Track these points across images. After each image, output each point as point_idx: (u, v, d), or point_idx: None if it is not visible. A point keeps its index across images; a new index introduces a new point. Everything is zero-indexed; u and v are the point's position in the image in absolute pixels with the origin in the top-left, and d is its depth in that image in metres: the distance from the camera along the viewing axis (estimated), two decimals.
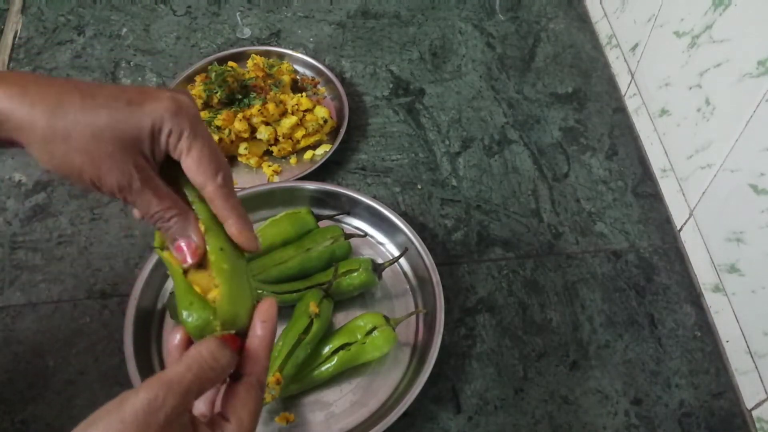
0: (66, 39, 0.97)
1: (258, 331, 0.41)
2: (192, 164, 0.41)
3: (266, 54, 0.92)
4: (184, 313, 0.40)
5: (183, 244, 0.42)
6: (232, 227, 0.43)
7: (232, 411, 0.39)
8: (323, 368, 0.65)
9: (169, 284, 0.70)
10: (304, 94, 0.86)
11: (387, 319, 0.66)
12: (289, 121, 0.82)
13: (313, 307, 0.65)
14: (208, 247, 0.42)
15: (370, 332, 0.66)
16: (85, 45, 0.96)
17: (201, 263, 0.42)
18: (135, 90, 0.41)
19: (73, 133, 0.38)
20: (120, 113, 0.39)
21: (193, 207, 0.43)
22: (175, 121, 0.40)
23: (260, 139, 0.82)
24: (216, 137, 0.79)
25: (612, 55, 0.98)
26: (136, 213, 0.43)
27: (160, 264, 0.69)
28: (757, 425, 0.67)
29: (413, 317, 0.71)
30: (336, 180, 0.83)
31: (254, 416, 0.40)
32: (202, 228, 0.43)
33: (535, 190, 0.84)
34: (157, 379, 0.36)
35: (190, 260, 0.42)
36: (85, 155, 0.39)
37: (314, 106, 0.84)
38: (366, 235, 0.76)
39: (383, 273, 0.72)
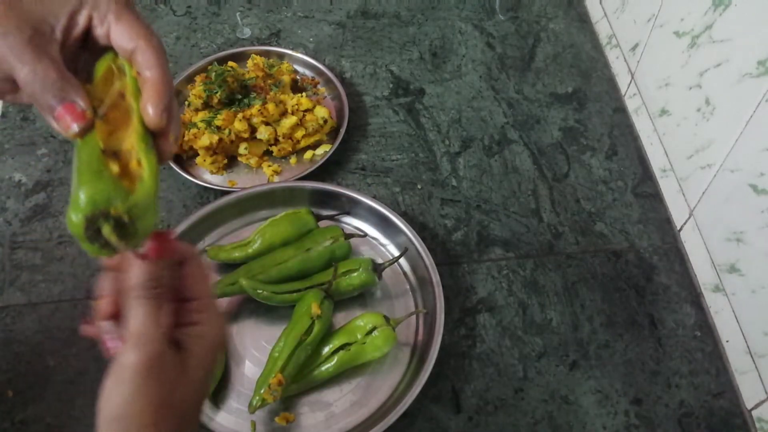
0: None
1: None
2: (124, 28, 0.39)
3: (266, 54, 0.92)
4: (84, 188, 0.35)
5: (62, 109, 0.38)
6: (150, 84, 0.39)
7: (191, 289, 0.42)
8: (323, 368, 0.65)
9: None
10: (304, 94, 0.86)
11: (387, 319, 0.66)
12: (289, 121, 0.82)
13: (315, 308, 0.65)
14: (135, 133, 0.38)
15: (370, 332, 0.66)
16: None
17: (116, 153, 0.38)
18: None
19: None
20: None
21: (122, 91, 0.40)
22: (100, 1, 0.39)
23: (260, 139, 0.82)
24: (216, 137, 0.80)
25: (612, 55, 0.98)
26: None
27: None
28: (757, 425, 0.67)
29: (413, 317, 0.71)
30: (336, 180, 0.83)
31: (211, 292, 0.43)
32: (134, 112, 0.39)
33: (535, 190, 0.84)
34: (131, 339, 0.39)
35: (75, 127, 0.37)
36: None
37: (314, 106, 0.84)
38: (366, 235, 0.76)
39: (383, 273, 0.72)
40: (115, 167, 0.37)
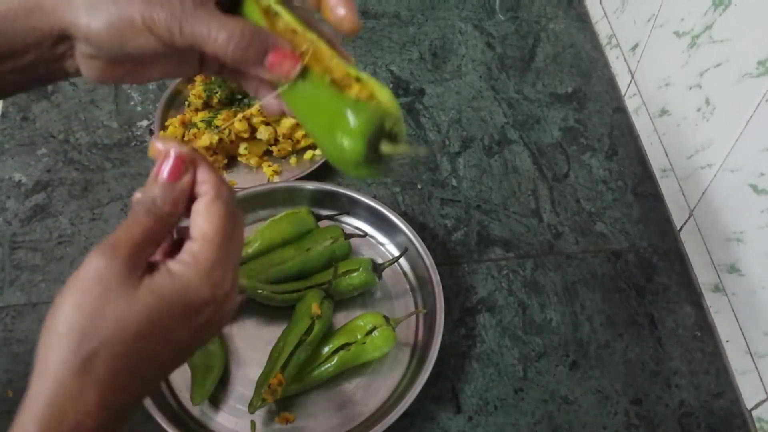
0: None
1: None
2: None
3: None
4: (353, 114, 0.36)
5: (275, 56, 0.36)
6: (339, 8, 0.38)
7: (194, 229, 0.36)
8: (323, 368, 0.65)
9: None
10: None
11: (387, 319, 0.66)
12: (289, 121, 0.82)
13: (315, 308, 0.65)
14: (338, 63, 0.37)
15: (370, 332, 0.66)
16: None
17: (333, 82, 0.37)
18: None
19: None
20: None
21: (291, 28, 0.38)
22: None
23: (260, 139, 0.82)
24: (216, 137, 0.80)
25: (612, 55, 0.98)
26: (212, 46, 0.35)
27: None
28: (757, 425, 0.67)
29: (413, 317, 0.71)
30: (336, 180, 0.83)
31: (221, 230, 0.36)
32: (317, 41, 0.38)
33: (535, 190, 0.84)
34: (102, 244, 0.33)
35: (295, 66, 0.37)
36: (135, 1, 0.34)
37: None
38: (366, 235, 0.76)
39: (383, 273, 0.72)
40: (352, 91, 0.37)
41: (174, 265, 0.35)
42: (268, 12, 0.39)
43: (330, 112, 0.37)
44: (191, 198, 0.37)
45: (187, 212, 0.37)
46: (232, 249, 0.36)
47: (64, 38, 0.36)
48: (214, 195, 0.36)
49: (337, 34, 0.39)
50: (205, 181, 0.37)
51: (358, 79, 0.37)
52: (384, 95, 0.37)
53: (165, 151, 0.36)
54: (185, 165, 0.36)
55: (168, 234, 0.37)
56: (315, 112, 0.37)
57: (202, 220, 0.36)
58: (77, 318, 0.32)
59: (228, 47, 0.35)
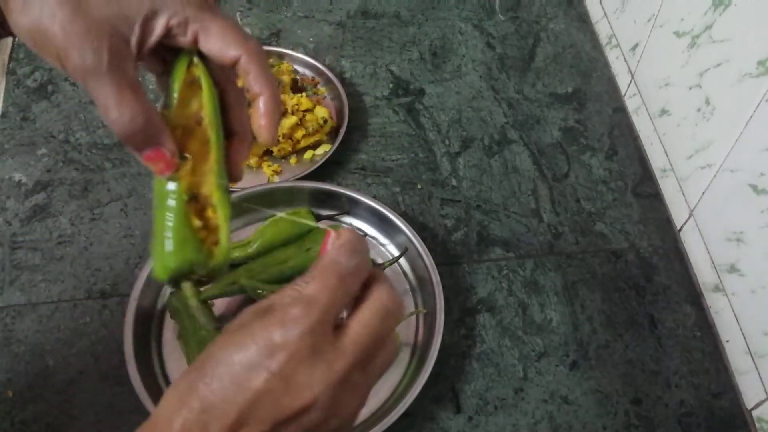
0: None
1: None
2: (216, 39, 0.36)
3: (266, 54, 0.92)
4: (171, 247, 0.37)
5: (152, 154, 0.37)
6: (262, 108, 0.38)
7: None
8: None
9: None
10: (304, 94, 0.86)
11: None
12: (289, 121, 0.82)
13: None
14: (212, 180, 0.38)
15: None
16: None
17: (195, 197, 0.38)
18: None
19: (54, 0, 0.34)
20: None
21: (201, 114, 0.38)
22: (180, 3, 0.35)
23: None
24: None
25: (612, 55, 0.98)
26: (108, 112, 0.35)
27: None
28: (757, 425, 0.67)
29: (413, 317, 0.71)
30: (336, 180, 0.83)
31: (328, 284, 0.34)
32: (213, 146, 0.38)
33: (535, 190, 0.84)
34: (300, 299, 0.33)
35: (166, 172, 0.37)
36: (58, 24, 0.34)
37: (314, 106, 0.84)
38: (366, 235, 0.76)
39: (383, 273, 0.71)
40: (197, 221, 0.38)
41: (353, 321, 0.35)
42: (192, 82, 0.39)
43: (169, 227, 0.38)
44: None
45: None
46: (326, 300, 0.34)
47: None
48: (328, 259, 0.35)
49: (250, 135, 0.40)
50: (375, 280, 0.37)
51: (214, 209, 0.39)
52: (221, 245, 0.39)
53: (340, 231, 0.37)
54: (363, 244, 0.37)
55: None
56: (161, 214, 0.38)
57: (311, 269, 0.35)
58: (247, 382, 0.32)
59: (116, 126, 0.35)
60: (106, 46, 0.34)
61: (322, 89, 0.91)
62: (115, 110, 0.35)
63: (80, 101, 0.89)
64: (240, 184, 0.80)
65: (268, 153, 0.84)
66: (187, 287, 0.39)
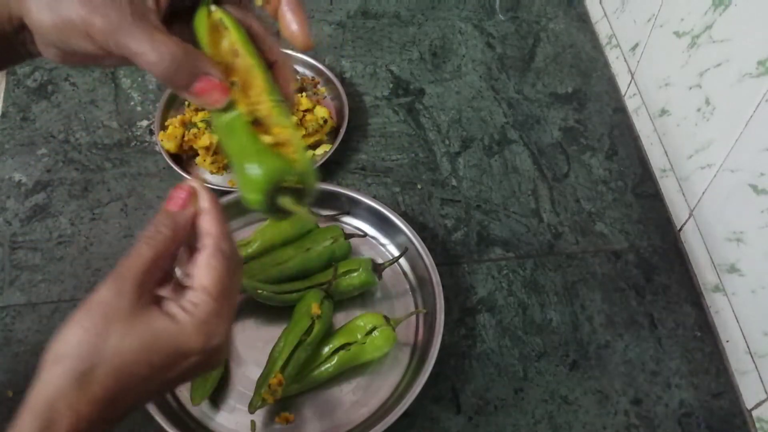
0: None
1: (204, 203, 0.40)
2: None
3: None
4: (256, 168, 0.37)
5: (202, 84, 0.37)
6: (287, 14, 0.38)
7: (195, 279, 0.38)
8: (323, 368, 0.65)
9: None
10: (304, 94, 0.86)
11: (387, 319, 0.66)
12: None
13: (315, 309, 0.65)
14: (264, 93, 0.38)
15: (370, 332, 0.66)
16: None
17: (257, 121, 0.38)
18: None
19: None
20: None
21: (235, 48, 0.39)
22: None
23: None
24: (216, 137, 0.80)
25: (612, 55, 0.98)
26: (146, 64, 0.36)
27: None
28: (757, 425, 0.67)
29: (413, 317, 0.71)
30: (336, 180, 0.83)
31: (219, 285, 0.37)
32: (257, 70, 0.38)
33: (535, 190, 0.84)
34: (112, 274, 0.36)
35: (221, 100, 0.37)
36: (77, 3, 0.35)
37: (314, 106, 0.84)
38: (366, 235, 0.76)
39: (383, 273, 0.72)
40: (267, 138, 0.38)
41: (175, 308, 0.37)
42: (217, 27, 0.39)
43: (243, 151, 0.38)
44: (192, 246, 0.39)
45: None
46: (228, 303, 0.38)
47: (23, 26, 0.37)
48: (214, 249, 0.38)
49: (287, 55, 0.40)
50: (208, 233, 0.38)
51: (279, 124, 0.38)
52: (299, 152, 0.38)
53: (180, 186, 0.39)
54: (188, 197, 0.39)
55: (170, 261, 0.39)
56: (232, 145, 0.38)
57: (203, 273, 0.37)
58: (83, 337, 0.34)
59: (157, 68, 0.36)
60: (127, 2, 0.35)
61: (322, 89, 0.91)
62: (152, 53, 0.35)
63: (80, 101, 0.89)
64: None
65: None
66: (287, 201, 0.38)
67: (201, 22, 0.39)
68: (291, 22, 0.39)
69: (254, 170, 0.37)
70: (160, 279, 0.38)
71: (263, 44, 0.40)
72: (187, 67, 0.36)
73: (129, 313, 0.35)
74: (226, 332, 0.38)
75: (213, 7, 0.39)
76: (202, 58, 0.37)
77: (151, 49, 0.35)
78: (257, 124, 0.38)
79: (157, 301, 0.37)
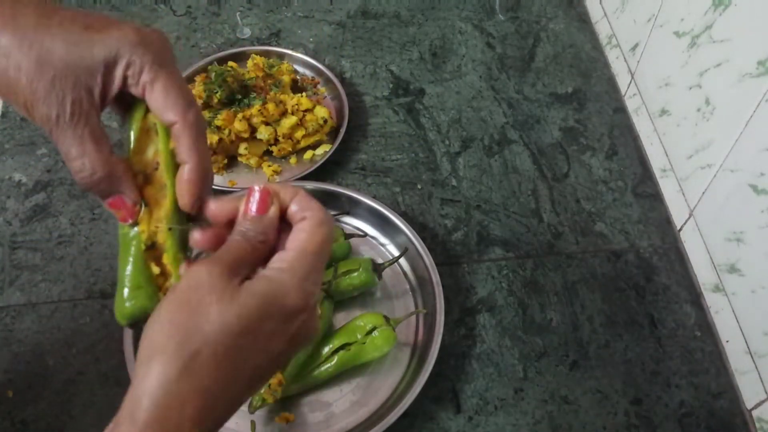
0: None
1: (287, 194, 0.39)
2: (159, 97, 0.37)
3: (266, 54, 0.92)
4: (126, 294, 0.38)
5: (115, 201, 0.38)
6: (185, 175, 0.38)
7: (292, 242, 0.37)
8: (323, 368, 0.65)
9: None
10: (304, 94, 0.86)
11: (387, 319, 0.66)
12: (289, 121, 0.82)
13: None
14: (166, 223, 0.39)
15: (370, 332, 0.66)
16: None
17: (153, 245, 0.39)
18: (98, 17, 0.37)
19: (18, 50, 0.35)
20: (73, 37, 0.35)
21: (157, 160, 0.39)
22: (136, 53, 0.36)
23: (260, 139, 0.82)
24: (216, 137, 0.80)
25: (612, 55, 0.98)
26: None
27: None
28: (757, 425, 0.67)
29: (413, 317, 0.71)
30: (336, 180, 0.83)
31: (320, 249, 0.37)
32: (168, 192, 0.39)
33: (535, 190, 0.84)
34: (202, 260, 0.36)
35: (128, 219, 0.38)
36: (23, 75, 0.35)
37: (314, 106, 0.84)
38: (366, 235, 0.76)
39: (383, 273, 0.72)
40: (156, 268, 0.39)
41: (269, 271, 0.36)
42: (148, 130, 0.39)
43: (126, 273, 0.39)
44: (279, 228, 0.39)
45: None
46: (321, 269, 0.38)
47: None
48: (319, 219, 0.38)
49: (201, 159, 0.40)
50: (310, 207, 0.38)
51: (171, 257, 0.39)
52: (175, 280, 0.39)
53: (249, 189, 0.39)
54: (270, 198, 0.39)
55: (261, 262, 0.38)
56: (123, 259, 0.39)
57: (306, 236, 0.37)
58: (181, 319, 0.32)
59: (78, 175, 0.37)
60: (70, 98, 0.35)
61: (322, 89, 0.91)
62: (77, 161, 0.36)
63: None
64: (240, 184, 0.80)
65: (268, 153, 0.84)
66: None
67: (136, 118, 0.39)
68: (183, 183, 0.39)
69: (124, 302, 0.39)
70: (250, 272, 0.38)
71: (179, 144, 0.39)
72: (105, 184, 0.38)
73: (226, 285, 0.34)
74: (317, 300, 0.38)
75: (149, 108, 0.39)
76: (122, 179, 0.38)
77: (78, 156, 0.36)
78: (152, 247, 0.40)
79: (248, 278, 0.36)
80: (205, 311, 0.32)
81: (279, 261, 0.37)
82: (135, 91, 0.37)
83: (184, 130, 0.38)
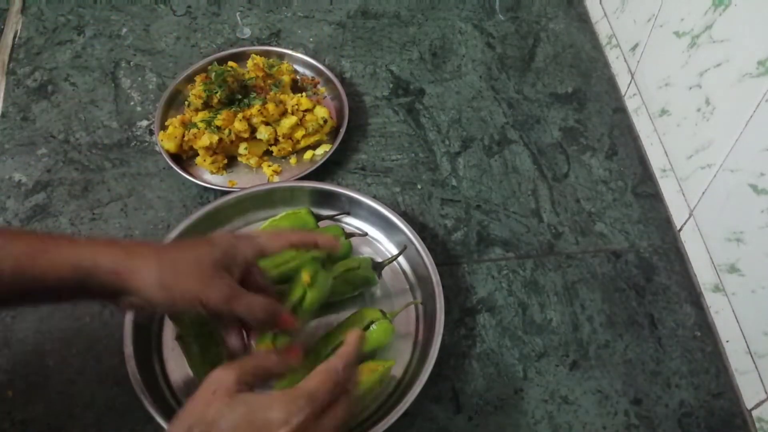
0: (66, 39, 0.97)
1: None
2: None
3: (266, 54, 0.92)
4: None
5: (289, 349, 0.50)
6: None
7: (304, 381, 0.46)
8: None
9: None
10: (304, 94, 0.86)
11: (384, 313, 0.66)
12: (289, 121, 0.82)
13: (305, 277, 0.62)
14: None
15: (368, 327, 0.65)
16: (85, 45, 0.96)
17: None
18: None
19: (179, 263, 0.50)
20: (210, 248, 0.52)
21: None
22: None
23: (260, 139, 0.82)
24: (216, 137, 0.80)
25: (612, 55, 0.98)
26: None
27: None
28: (757, 425, 0.67)
29: (412, 315, 0.71)
30: (336, 180, 0.83)
31: (318, 387, 0.44)
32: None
33: (535, 190, 0.84)
34: (226, 364, 0.46)
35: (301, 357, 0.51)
36: (191, 277, 0.49)
37: (314, 106, 0.84)
38: (366, 234, 0.76)
39: (383, 273, 0.72)
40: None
41: (271, 392, 0.45)
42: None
43: None
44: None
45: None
46: (320, 398, 0.44)
47: (118, 293, 0.49)
48: (328, 365, 0.46)
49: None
50: (340, 354, 0.48)
51: None
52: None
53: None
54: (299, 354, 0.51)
55: (269, 378, 0.48)
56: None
57: (313, 373, 0.46)
58: (195, 409, 0.43)
59: (264, 314, 0.53)
60: (227, 279, 0.53)
61: (322, 89, 0.91)
62: (262, 300, 0.54)
63: (80, 101, 0.89)
64: (240, 184, 0.81)
65: (268, 153, 0.84)
66: None
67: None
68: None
69: None
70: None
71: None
72: (269, 312, 0.54)
73: (230, 391, 0.43)
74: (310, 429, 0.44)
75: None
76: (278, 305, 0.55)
77: (263, 299, 0.53)
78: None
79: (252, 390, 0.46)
80: (210, 406, 0.43)
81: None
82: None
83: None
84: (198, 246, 0.52)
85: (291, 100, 0.84)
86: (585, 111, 0.93)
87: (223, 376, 0.44)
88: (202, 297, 0.49)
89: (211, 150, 0.81)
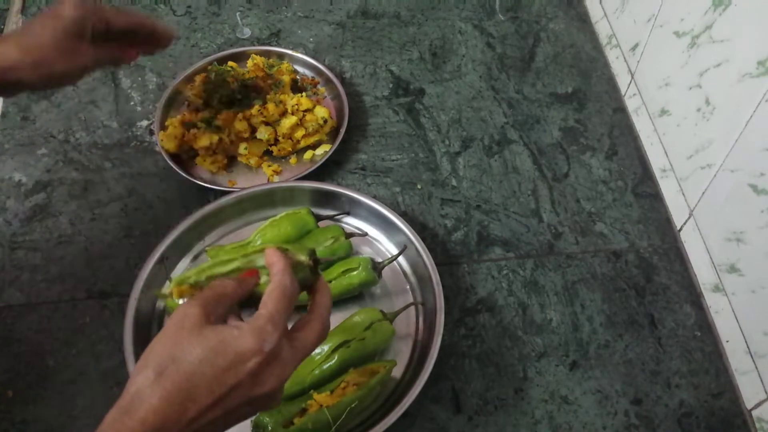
0: None
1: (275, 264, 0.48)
2: None
3: (266, 54, 0.92)
4: None
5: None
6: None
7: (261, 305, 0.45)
8: (324, 367, 0.65)
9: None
10: (304, 94, 0.86)
11: (384, 313, 0.66)
12: (289, 121, 0.82)
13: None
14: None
15: (368, 327, 0.65)
16: None
17: None
18: None
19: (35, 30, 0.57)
20: None
21: None
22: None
23: (260, 139, 0.82)
24: (216, 137, 0.80)
25: (612, 55, 0.98)
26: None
27: (160, 264, 0.69)
28: (757, 425, 0.67)
29: (412, 315, 0.71)
30: (336, 180, 0.83)
31: (275, 307, 0.44)
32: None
33: (535, 190, 0.84)
34: (190, 298, 0.45)
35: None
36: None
37: (314, 106, 0.84)
38: (366, 234, 0.76)
39: (383, 273, 0.72)
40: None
41: (238, 322, 0.46)
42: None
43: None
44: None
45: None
46: (280, 319, 0.44)
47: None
48: (275, 285, 0.46)
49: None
50: (275, 272, 0.47)
51: None
52: None
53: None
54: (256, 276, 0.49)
55: (231, 302, 0.47)
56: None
57: (266, 297, 0.46)
58: (162, 347, 0.42)
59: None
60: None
61: (322, 89, 0.91)
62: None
63: (80, 101, 0.89)
64: (240, 184, 0.80)
65: (268, 153, 0.84)
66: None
67: None
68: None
69: None
70: (230, 313, 0.46)
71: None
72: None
73: (198, 325, 0.43)
74: (283, 346, 0.44)
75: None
76: None
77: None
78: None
79: (226, 322, 0.46)
80: (178, 343, 0.42)
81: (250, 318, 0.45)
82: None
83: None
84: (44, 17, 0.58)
85: (291, 100, 0.84)
86: (585, 111, 0.93)
87: (189, 310, 0.43)
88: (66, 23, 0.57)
89: (211, 150, 0.81)
